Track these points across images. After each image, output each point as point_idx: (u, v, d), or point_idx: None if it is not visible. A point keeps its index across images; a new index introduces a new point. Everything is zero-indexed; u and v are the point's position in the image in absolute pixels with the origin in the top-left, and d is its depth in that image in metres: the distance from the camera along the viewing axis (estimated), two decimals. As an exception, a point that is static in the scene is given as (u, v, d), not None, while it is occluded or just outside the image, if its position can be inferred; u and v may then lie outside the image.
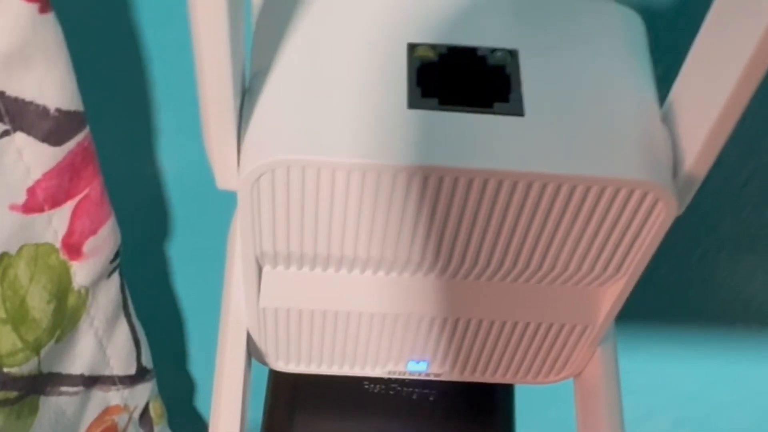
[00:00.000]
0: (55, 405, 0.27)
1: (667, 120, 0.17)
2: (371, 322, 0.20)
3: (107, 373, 0.30)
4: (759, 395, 0.39)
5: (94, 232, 0.24)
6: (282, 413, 0.23)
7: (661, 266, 0.31)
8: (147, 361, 0.32)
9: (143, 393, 0.33)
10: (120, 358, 0.30)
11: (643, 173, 0.16)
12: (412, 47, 0.17)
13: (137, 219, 0.28)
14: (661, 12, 0.22)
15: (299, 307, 0.19)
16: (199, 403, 0.41)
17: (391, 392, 0.23)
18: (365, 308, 0.19)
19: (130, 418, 0.33)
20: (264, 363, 0.21)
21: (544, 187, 0.16)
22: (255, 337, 0.20)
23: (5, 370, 0.24)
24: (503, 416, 0.23)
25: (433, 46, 0.17)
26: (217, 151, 0.16)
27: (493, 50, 0.17)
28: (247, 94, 0.16)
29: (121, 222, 0.27)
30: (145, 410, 0.34)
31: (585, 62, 0.17)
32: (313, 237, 0.17)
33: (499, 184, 0.16)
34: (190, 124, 0.27)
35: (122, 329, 0.29)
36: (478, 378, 0.22)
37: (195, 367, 0.39)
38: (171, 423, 0.38)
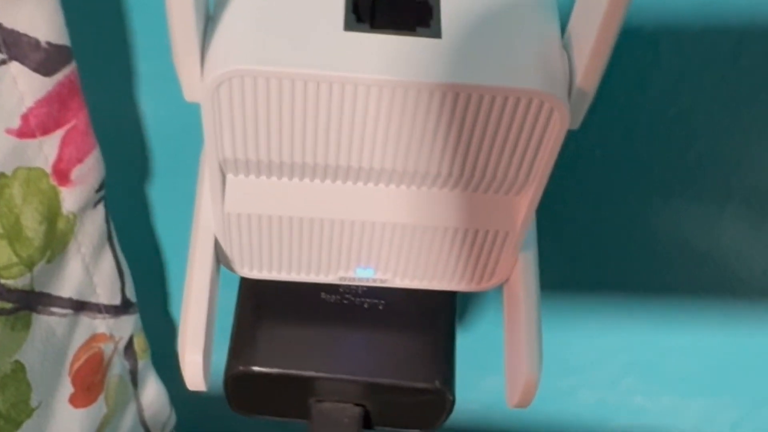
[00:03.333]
0: (46, 324, 0.30)
1: (567, 47, 0.20)
2: (322, 228, 0.23)
3: (93, 300, 0.33)
4: (702, 340, 0.42)
5: (80, 160, 0.27)
6: (248, 320, 0.26)
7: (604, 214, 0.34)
8: (131, 294, 0.35)
9: (127, 324, 0.36)
10: (105, 287, 0.33)
11: (541, 85, 0.19)
12: (350, -19, 0.20)
13: (120, 160, 0.31)
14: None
15: (260, 212, 0.22)
16: (182, 345, 0.44)
17: (345, 302, 0.26)
18: (318, 214, 0.22)
19: (115, 348, 0.36)
20: (230, 269, 0.24)
21: (455, 97, 0.19)
22: (222, 242, 0.23)
23: (2, 281, 0.26)
24: (445, 322, 0.26)
25: (367, -20, 0.20)
26: (183, 67, 0.19)
27: (419, -16, 0.20)
28: (210, 20, 0.19)
29: (106, 161, 0.30)
30: (130, 343, 0.37)
31: (498, 1, 0.20)
32: (267, 144, 0.20)
33: (418, 93, 0.19)
34: (170, 71, 0.30)
35: (107, 258, 0.32)
36: (417, 284, 0.25)
37: (176, 309, 0.42)
38: (154, 364, 0.41)
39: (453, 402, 0.26)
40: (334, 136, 0.20)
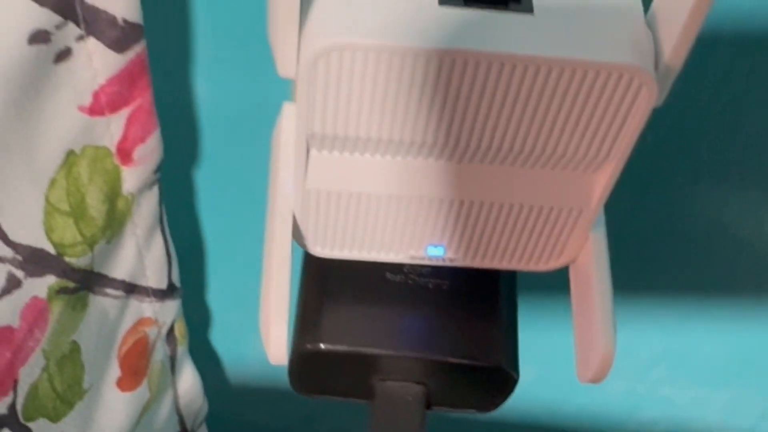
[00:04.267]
0: (101, 305, 0.30)
1: (650, 25, 0.20)
2: (399, 206, 0.23)
3: (143, 283, 0.33)
4: (731, 332, 0.43)
5: (143, 140, 0.27)
6: (313, 300, 0.26)
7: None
8: (176, 278, 0.35)
9: (171, 310, 0.36)
10: (155, 270, 0.33)
11: (632, 60, 0.19)
12: (443, -41, 0.20)
13: (172, 143, 0.31)
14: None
15: (340, 189, 0.22)
16: (214, 335, 0.44)
17: (410, 282, 0.27)
18: (396, 191, 0.22)
19: (159, 333, 0.36)
20: (304, 246, 0.24)
21: (548, 71, 0.19)
22: (299, 219, 0.23)
23: (66, 259, 0.26)
24: (507, 303, 0.27)
25: (461, -41, 0.20)
26: (280, 42, 0.19)
27: (510, -36, 0.20)
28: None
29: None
30: (171, 329, 0.37)
31: None
32: (357, 120, 0.20)
33: (513, 67, 0.19)
34: (228, 56, 0.30)
35: (158, 242, 0.32)
36: (487, 264, 0.25)
37: (213, 299, 0.42)
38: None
39: (516, 381, 0.26)
40: (423, 111, 0.20)
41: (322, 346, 0.25)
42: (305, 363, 0.26)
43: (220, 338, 0.44)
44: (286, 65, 0.19)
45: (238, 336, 0.44)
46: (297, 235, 0.24)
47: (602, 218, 0.25)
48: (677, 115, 0.31)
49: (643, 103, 0.20)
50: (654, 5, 0.20)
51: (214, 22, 0.29)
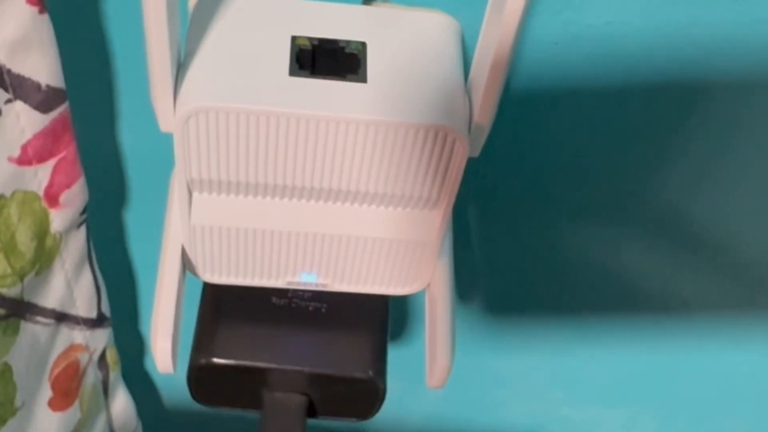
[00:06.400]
0: (32, 331, 0.34)
1: (468, 91, 0.25)
2: (273, 239, 0.27)
3: (73, 312, 0.37)
4: (616, 353, 0.47)
5: (69, 186, 0.32)
6: (208, 320, 0.31)
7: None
8: (106, 308, 0.39)
9: (102, 337, 0.40)
10: (84, 301, 0.37)
11: (445, 121, 0.24)
12: (293, 38, 0.25)
13: (100, 186, 0.36)
14: (474, 17, 0.30)
15: (221, 225, 0.27)
16: (148, 361, 0.48)
17: (293, 305, 0.31)
18: (270, 227, 0.27)
19: (90, 359, 0.40)
20: (195, 275, 0.29)
21: (376, 130, 0.24)
22: (188, 251, 0.28)
23: (-3, 288, 0.31)
24: (378, 323, 0.31)
25: (308, 38, 0.25)
26: (159, 103, 0.24)
27: (349, 42, 0.25)
28: (181, 66, 0.24)
29: (89, 186, 0.34)
30: (103, 355, 0.41)
31: (413, 51, 0.25)
32: (227, 167, 0.25)
33: (347, 127, 0.24)
34: (144, 109, 0.35)
35: (87, 275, 0.36)
36: (353, 288, 0.30)
37: (145, 327, 0.46)
38: (124, 378, 0.45)
39: (384, 391, 0.31)
40: (281, 160, 0.25)
41: (214, 360, 0.30)
42: (201, 375, 0.30)
43: (153, 364, 0.48)
44: (165, 122, 0.24)
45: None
46: (189, 264, 0.28)
47: (448, 248, 0.29)
48: (537, 165, 0.36)
49: (458, 155, 0.25)
50: (470, 74, 0.25)
51: (132, 79, 0.34)
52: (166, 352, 0.26)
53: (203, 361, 0.30)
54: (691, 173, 0.36)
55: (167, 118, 0.24)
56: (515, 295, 0.44)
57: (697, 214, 0.38)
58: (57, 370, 0.37)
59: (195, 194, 0.26)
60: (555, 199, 0.38)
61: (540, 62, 0.32)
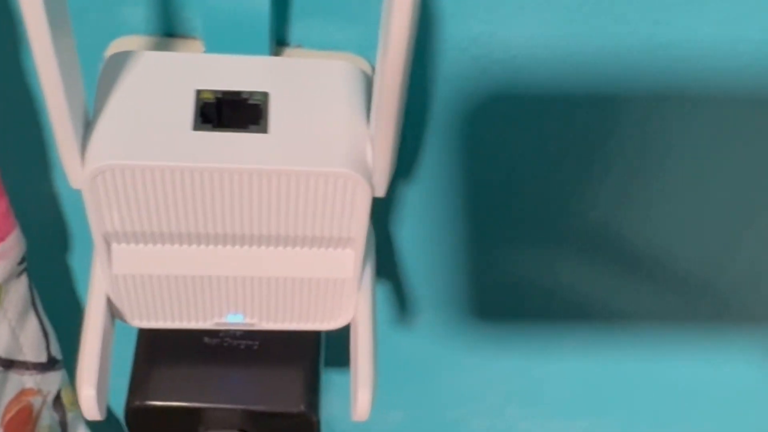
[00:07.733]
0: (-23, 380, 0.35)
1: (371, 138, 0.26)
2: (194, 284, 0.28)
3: (21, 358, 0.37)
4: (569, 368, 0.48)
5: (2, 239, 0.33)
6: (142, 363, 0.31)
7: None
8: (56, 352, 0.40)
9: (54, 380, 0.40)
10: (31, 347, 0.38)
11: (345, 166, 0.25)
12: (198, 92, 0.26)
13: (42, 234, 0.37)
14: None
15: (142, 273, 0.28)
16: (111, 401, 0.48)
17: (225, 344, 0.32)
18: (190, 272, 0.28)
19: (44, 402, 0.41)
20: (123, 320, 0.30)
21: (279, 178, 0.25)
22: (113, 299, 0.29)
23: (-65, 342, 0.31)
24: (310, 358, 0.32)
25: (212, 91, 0.26)
26: (67, 163, 0.25)
27: (252, 93, 0.26)
28: (89, 125, 0.25)
29: (28, 234, 0.35)
30: (58, 397, 0.42)
31: (316, 99, 0.26)
32: (138, 219, 0.26)
33: (251, 176, 0.25)
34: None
35: (32, 322, 0.37)
36: (280, 326, 0.30)
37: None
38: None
39: (318, 424, 0.31)
40: (190, 211, 0.26)
41: (148, 402, 0.30)
42: (137, 416, 0.31)
43: (113, 402, 0.49)
44: (75, 180, 0.25)
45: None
46: (116, 311, 0.29)
47: (369, 282, 0.30)
48: (468, 191, 0.36)
49: (361, 197, 0.26)
50: (370, 118, 0.26)
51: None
52: (90, 400, 0.27)
53: (138, 403, 0.30)
54: (617, 191, 0.37)
55: (76, 176, 0.25)
56: (469, 314, 0.45)
57: (627, 230, 0.39)
58: (9, 415, 0.38)
59: (114, 245, 0.27)
60: (491, 219, 0.39)
61: (459, 93, 0.32)
